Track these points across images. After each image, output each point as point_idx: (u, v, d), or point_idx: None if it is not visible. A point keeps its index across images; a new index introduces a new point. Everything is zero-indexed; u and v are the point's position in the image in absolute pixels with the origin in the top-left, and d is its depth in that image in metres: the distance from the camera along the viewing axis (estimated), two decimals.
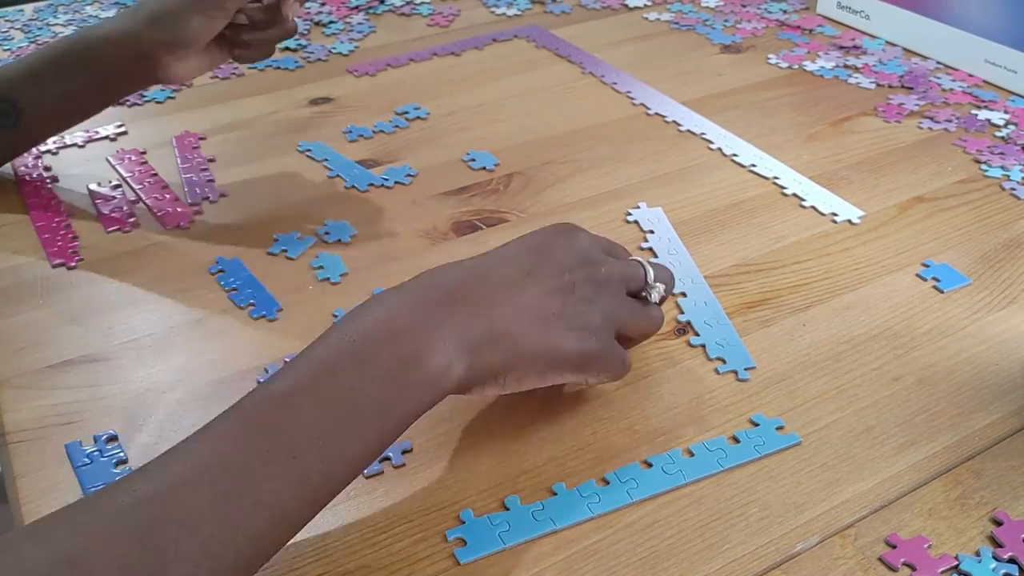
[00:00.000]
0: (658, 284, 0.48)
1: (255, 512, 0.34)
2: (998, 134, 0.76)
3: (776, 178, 0.70)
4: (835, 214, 0.65)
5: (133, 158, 0.73)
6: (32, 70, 0.62)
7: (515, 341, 0.42)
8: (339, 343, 0.39)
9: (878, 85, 0.84)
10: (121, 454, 0.46)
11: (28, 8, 1.01)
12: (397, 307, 0.40)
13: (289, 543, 0.42)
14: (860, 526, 0.43)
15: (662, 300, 0.49)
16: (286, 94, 0.83)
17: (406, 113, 0.79)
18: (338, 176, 0.70)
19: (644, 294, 0.48)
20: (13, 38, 0.94)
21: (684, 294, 0.58)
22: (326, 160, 0.72)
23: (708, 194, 0.68)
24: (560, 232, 0.47)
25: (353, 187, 0.69)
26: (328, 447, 0.36)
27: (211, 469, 0.34)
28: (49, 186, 0.69)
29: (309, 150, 0.74)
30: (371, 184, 0.69)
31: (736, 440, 0.47)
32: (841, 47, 0.91)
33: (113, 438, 0.47)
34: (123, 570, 0.32)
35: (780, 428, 0.48)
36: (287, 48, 0.92)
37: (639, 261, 0.48)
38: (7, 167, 0.71)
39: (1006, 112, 0.79)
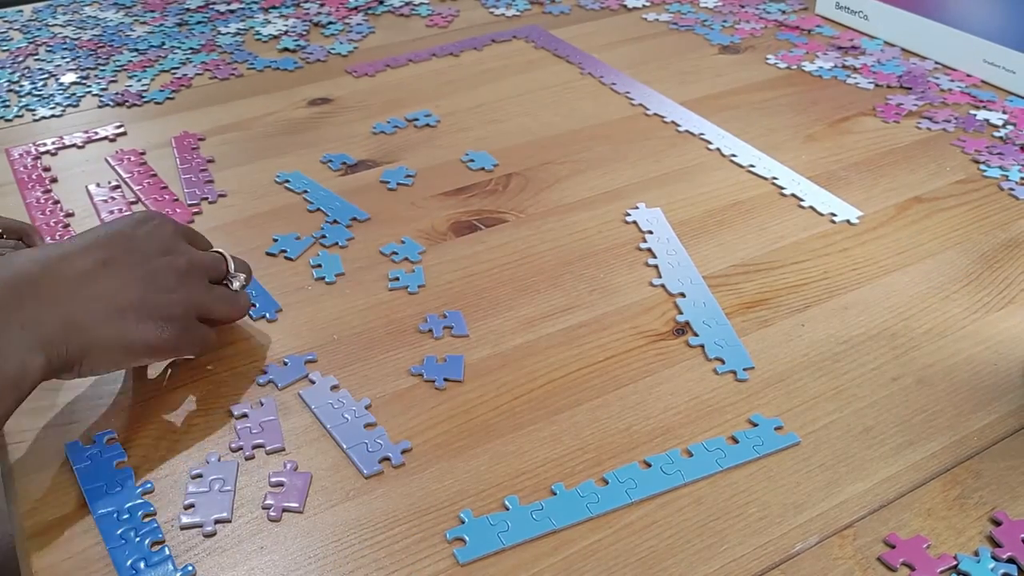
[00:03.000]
0: (239, 273, 0.51)
1: None
2: (996, 134, 0.76)
3: (775, 178, 0.70)
4: (834, 214, 0.65)
5: (132, 159, 0.73)
6: None
7: (88, 332, 0.43)
8: None
9: (876, 85, 0.84)
10: (122, 453, 0.46)
11: (27, 9, 1.01)
12: None
13: (290, 543, 0.42)
14: (859, 526, 0.43)
15: (243, 287, 0.52)
16: (285, 95, 0.83)
17: (416, 120, 0.78)
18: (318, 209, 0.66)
19: (226, 282, 0.50)
20: (12, 39, 0.94)
21: (683, 294, 0.58)
22: (306, 192, 0.68)
23: (707, 194, 0.68)
24: (142, 220, 0.47)
25: (352, 188, 0.69)
26: None
27: None
28: (48, 187, 0.69)
29: (287, 181, 0.69)
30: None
31: (735, 440, 0.47)
32: (840, 47, 0.92)
33: (113, 438, 0.47)
34: None
35: (779, 428, 0.48)
36: (286, 49, 0.92)
37: (220, 253, 0.51)
38: (6, 167, 0.71)
39: (1004, 112, 0.79)
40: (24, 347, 0.40)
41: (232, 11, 1.01)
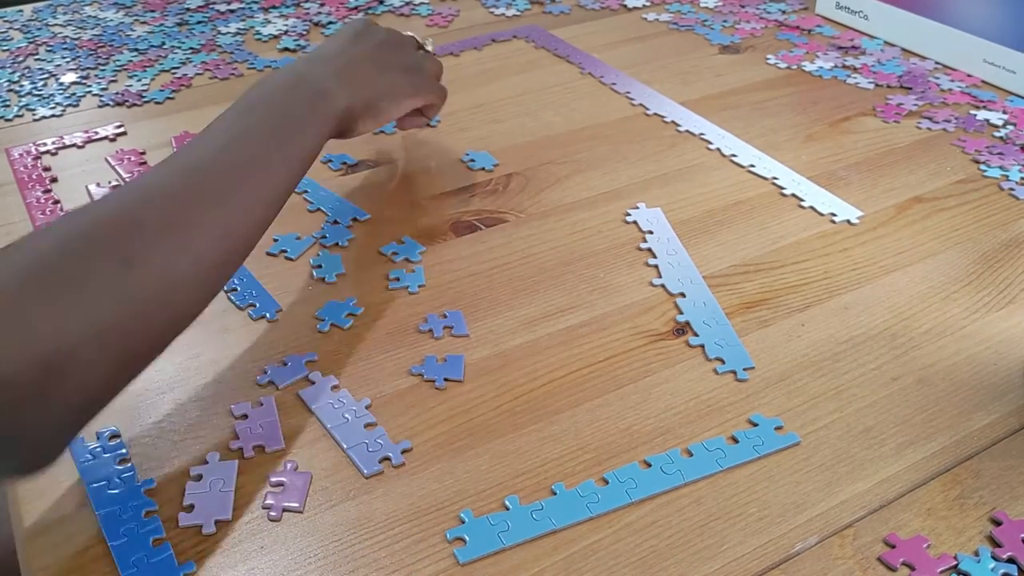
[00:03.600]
0: (428, 39, 0.70)
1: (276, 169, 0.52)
2: (997, 134, 0.76)
3: (775, 178, 0.70)
4: (834, 214, 0.65)
5: (132, 159, 0.73)
6: None
7: (373, 80, 0.60)
8: (276, 87, 0.55)
9: (877, 85, 0.84)
10: (123, 451, 0.46)
11: (27, 9, 1.01)
12: (303, 68, 0.57)
13: (290, 543, 0.42)
14: (859, 526, 0.43)
15: (432, 49, 0.71)
16: None
17: None
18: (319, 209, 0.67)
19: (421, 50, 0.69)
20: (12, 38, 0.94)
21: (683, 294, 0.58)
22: (306, 192, 0.68)
23: (707, 194, 0.68)
24: (366, 21, 0.66)
25: (352, 188, 0.69)
26: (292, 137, 0.52)
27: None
28: (48, 186, 0.69)
29: None
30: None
31: (735, 440, 0.47)
32: (840, 47, 0.92)
33: (116, 435, 0.47)
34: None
35: (779, 428, 0.48)
36: (287, 49, 0.92)
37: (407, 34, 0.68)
38: (6, 167, 0.71)
39: (1004, 112, 0.79)
40: (340, 90, 0.56)
41: (232, 11, 1.01)
